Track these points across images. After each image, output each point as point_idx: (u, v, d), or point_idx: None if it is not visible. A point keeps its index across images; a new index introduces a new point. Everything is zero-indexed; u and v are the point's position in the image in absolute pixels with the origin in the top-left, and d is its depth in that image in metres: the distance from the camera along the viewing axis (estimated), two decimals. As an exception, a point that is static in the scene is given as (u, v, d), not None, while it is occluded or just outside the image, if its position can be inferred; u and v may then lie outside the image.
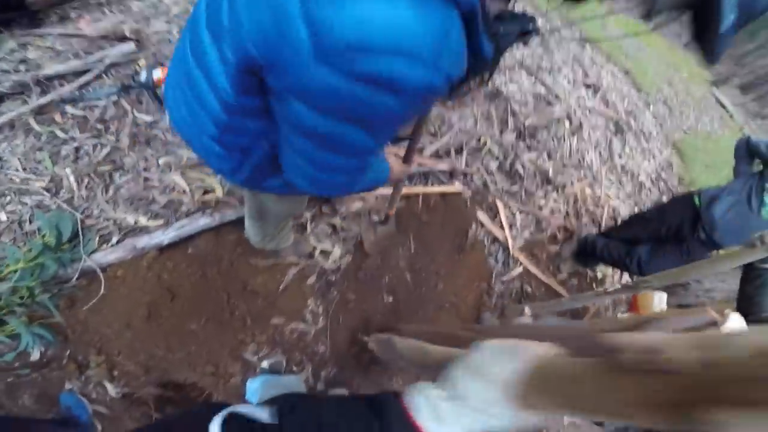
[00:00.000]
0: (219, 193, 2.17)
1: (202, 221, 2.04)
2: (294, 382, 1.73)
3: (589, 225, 3.00)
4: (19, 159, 2.13)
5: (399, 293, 2.29)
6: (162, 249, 1.99)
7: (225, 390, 2.00)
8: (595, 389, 0.48)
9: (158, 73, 2.30)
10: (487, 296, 2.44)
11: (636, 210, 3.34)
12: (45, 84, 2.30)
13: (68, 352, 1.85)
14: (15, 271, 1.80)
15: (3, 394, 1.77)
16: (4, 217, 2.02)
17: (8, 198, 2.05)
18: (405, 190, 2.26)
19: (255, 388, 1.74)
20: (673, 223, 2.18)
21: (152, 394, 1.93)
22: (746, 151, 2.05)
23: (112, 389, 1.87)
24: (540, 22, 4.30)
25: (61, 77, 2.34)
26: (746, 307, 1.41)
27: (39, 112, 2.22)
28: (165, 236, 1.99)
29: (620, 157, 3.74)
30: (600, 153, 3.58)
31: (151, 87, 2.30)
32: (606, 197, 3.28)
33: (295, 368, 2.11)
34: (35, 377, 1.81)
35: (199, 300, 1.95)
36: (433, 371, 0.99)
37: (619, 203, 3.33)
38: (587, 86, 4.17)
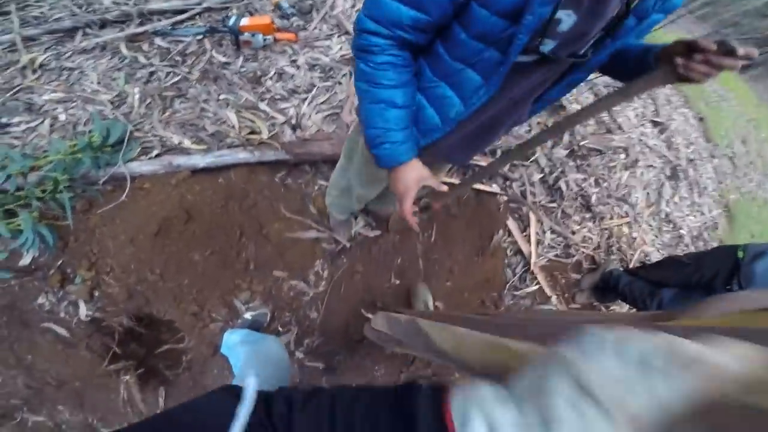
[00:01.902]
0: (264, 135, 2.09)
1: (242, 155, 1.93)
2: (277, 350, 1.32)
3: (616, 264, 2.75)
4: (97, 74, 2.20)
5: (407, 278, 2.07)
6: (195, 171, 1.88)
7: (200, 336, 1.85)
8: None
9: (245, 21, 2.30)
10: (494, 307, 2.28)
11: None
12: (145, 17, 2.41)
13: (60, 262, 1.76)
14: (50, 162, 1.75)
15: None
16: (63, 117, 2.04)
17: (74, 103, 2.08)
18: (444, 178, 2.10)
19: (233, 343, 1.46)
20: (709, 272, 1.93)
21: (122, 325, 1.81)
22: None
23: (84, 310, 1.77)
24: None
25: (161, 13, 2.44)
26: None
27: (131, 39, 2.34)
28: (202, 160, 1.89)
29: (667, 204, 3.37)
30: (648, 194, 3.23)
31: (235, 32, 2.28)
32: (641, 241, 2.98)
33: (280, 329, 1.95)
34: (12, 285, 1.74)
35: (212, 229, 1.81)
36: (475, 369, 0.81)
37: (653, 251, 3.01)
38: (654, 123, 3.76)
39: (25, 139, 1.95)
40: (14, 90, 2.09)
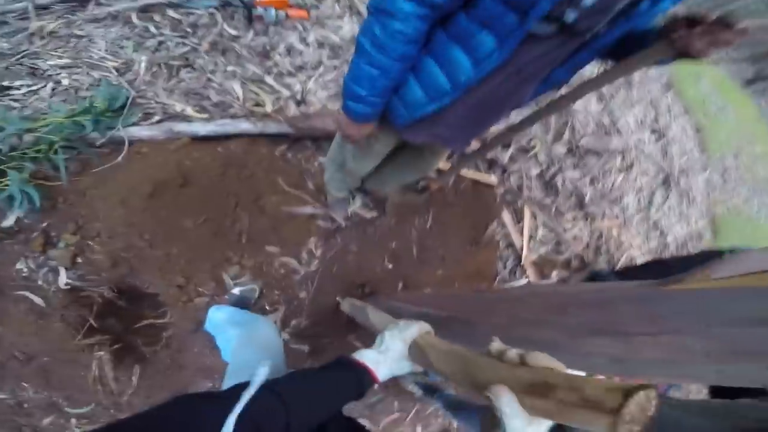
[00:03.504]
0: (268, 108, 2.01)
1: (244, 125, 1.83)
2: (271, 334, 1.22)
3: (603, 264, 2.72)
4: (106, 42, 2.10)
5: (400, 263, 1.98)
6: (195, 139, 1.78)
7: (183, 311, 1.72)
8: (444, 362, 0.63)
9: None
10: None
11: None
12: None
13: (45, 224, 1.64)
14: (47, 125, 1.65)
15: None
16: (66, 82, 1.93)
17: (79, 69, 1.97)
18: (441, 165, 2.04)
19: (219, 321, 1.41)
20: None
21: (102, 296, 1.68)
22: None
23: (63, 278, 1.64)
24: None
25: None
26: None
27: (144, 10, 2.23)
28: (203, 128, 1.79)
29: (657, 211, 3.36)
30: (639, 200, 3.18)
31: (249, 5, 2.18)
32: (629, 245, 2.96)
33: (267, 307, 1.85)
34: None
35: (207, 196, 1.71)
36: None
37: (639, 255, 3.00)
38: (653, 131, 3.74)
39: (24, 101, 1.84)
40: (19, 55, 1.97)
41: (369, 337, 1.86)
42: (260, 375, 0.57)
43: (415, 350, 0.73)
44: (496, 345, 0.54)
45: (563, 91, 1.01)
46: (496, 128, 2.21)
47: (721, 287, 0.43)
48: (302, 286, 1.86)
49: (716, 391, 1.20)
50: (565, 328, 0.63)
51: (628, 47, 0.79)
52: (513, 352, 0.50)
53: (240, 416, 0.47)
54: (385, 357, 0.72)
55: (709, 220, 4.12)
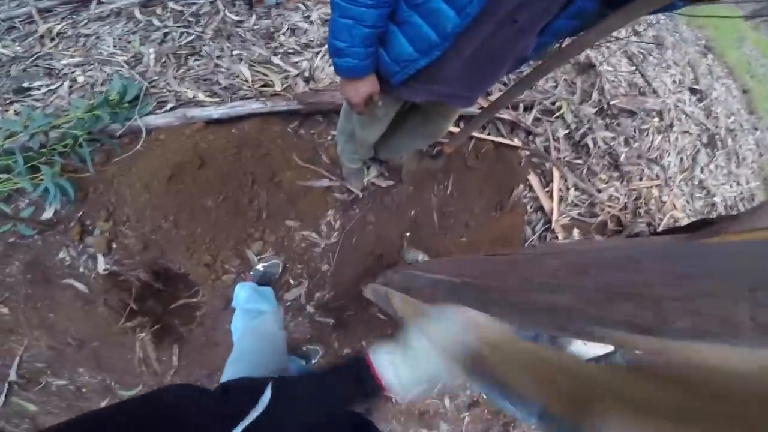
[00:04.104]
0: (278, 87, 2.06)
1: (254, 105, 1.91)
2: (272, 328, 1.32)
3: (643, 228, 2.54)
4: (113, 38, 2.25)
5: (420, 231, 1.99)
6: (209, 123, 1.88)
7: (212, 289, 1.84)
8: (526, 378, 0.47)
9: None
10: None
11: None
12: None
13: (80, 214, 1.78)
14: (70, 120, 1.80)
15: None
16: (81, 79, 2.09)
17: (92, 66, 2.14)
18: (453, 128, 1.98)
19: (242, 298, 1.52)
20: None
21: (139, 280, 1.81)
22: None
23: (102, 264, 1.78)
24: (662, 19, 3.66)
25: None
26: None
27: (145, 5, 2.36)
28: (216, 111, 1.89)
29: (702, 171, 3.12)
30: (682, 159, 2.98)
31: None
32: (671, 206, 2.76)
33: (291, 281, 1.92)
34: (36, 240, 1.76)
35: (224, 175, 1.79)
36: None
37: (683, 216, 2.78)
38: (693, 91, 3.50)
39: (45, 101, 2.01)
40: (34, 57, 2.15)
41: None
42: (263, 403, 0.55)
43: (383, 296, 0.64)
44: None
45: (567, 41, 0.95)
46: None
47: (759, 239, 0.36)
48: (323, 258, 1.91)
49: None
50: (584, 293, 0.54)
51: None
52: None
53: None
54: (408, 364, 0.59)
55: (762, 181, 3.80)
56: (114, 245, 1.81)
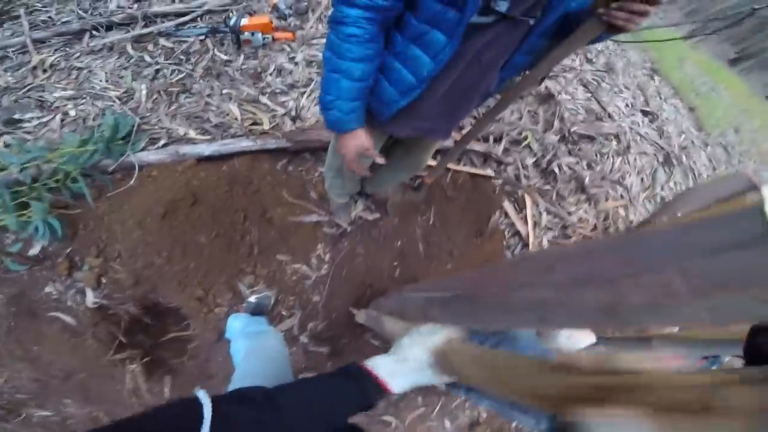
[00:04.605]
0: (266, 126, 2.18)
1: (244, 143, 2.04)
2: (276, 345, 1.34)
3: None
4: (105, 73, 2.34)
5: (408, 261, 2.14)
6: (200, 160, 1.98)
7: (204, 322, 1.90)
8: (480, 372, 0.64)
9: (245, 21, 2.44)
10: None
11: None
12: (150, 19, 2.56)
13: (69, 250, 1.83)
14: (63, 155, 1.84)
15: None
16: (73, 113, 2.15)
17: (83, 100, 2.20)
18: (431, 162, 2.16)
19: (236, 330, 1.57)
20: None
21: (129, 313, 1.86)
22: None
23: (90, 298, 1.82)
24: (610, 46, 4.02)
25: (164, 16, 2.59)
26: None
27: (137, 40, 2.48)
28: (207, 148, 1.99)
29: (662, 188, 3.46)
30: (642, 179, 3.29)
31: (236, 31, 2.42)
32: (638, 223, 3.05)
33: (284, 312, 2.00)
34: (21, 275, 1.80)
35: (216, 212, 1.89)
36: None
37: (650, 233, 3.05)
38: (644, 113, 3.85)
39: (37, 133, 2.07)
40: (26, 88, 2.21)
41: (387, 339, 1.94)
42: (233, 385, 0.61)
43: (444, 359, 0.70)
44: (563, 356, 0.53)
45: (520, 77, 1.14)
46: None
47: (686, 222, 0.43)
48: (315, 290, 1.99)
49: (752, 360, 1.24)
50: (554, 286, 0.64)
51: (573, 27, 0.92)
52: (586, 359, 0.49)
53: None
54: (403, 366, 0.70)
55: (719, 195, 4.16)
56: (104, 280, 1.85)
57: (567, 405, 0.47)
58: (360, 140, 1.11)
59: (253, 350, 1.28)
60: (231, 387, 0.99)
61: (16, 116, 2.09)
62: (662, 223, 0.54)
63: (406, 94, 1.05)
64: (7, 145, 1.99)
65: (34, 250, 1.83)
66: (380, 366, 0.70)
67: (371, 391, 0.67)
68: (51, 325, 1.83)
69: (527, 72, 1.09)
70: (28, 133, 2.06)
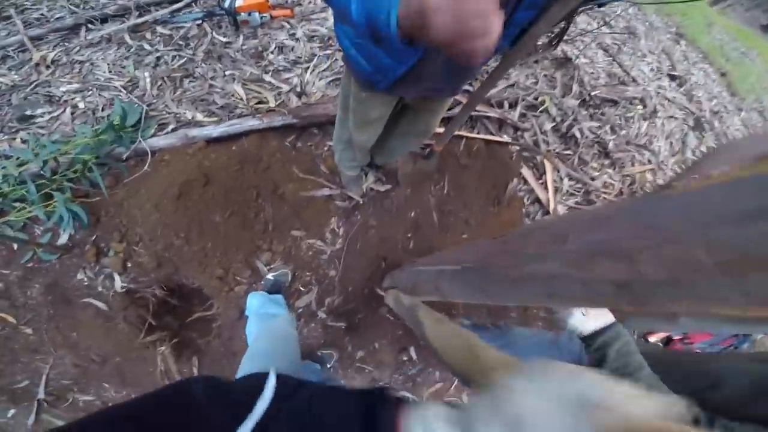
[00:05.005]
0: (272, 104, 2.18)
1: (251, 122, 2.04)
2: (284, 328, 1.37)
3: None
4: (107, 64, 2.37)
5: (422, 232, 2.11)
6: (209, 141, 2.00)
7: (226, 300, 1.95)
8: None
9: (240, 2, 2.42)
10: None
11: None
12: (143, 8, 2.57)
13: (94, 237, 1.89)
14: (77, 146, 1.91)
15: (15, 284, 1.85)
16: (82, 105, 2.20)
17: (90, 92, 2.25)
18: (439, 130, 2.10)
19: (253, 306, 1.64)
20: None
21: (155, 296, 1.92)
22: None
23: (118, 282, 1.89)
24: (630, 10, 3.87)
25: (157, 4, 2.59)
26: None
27: (134, 30, 2.49)
28: (215, 130, 2.01)
29: (693, 153, 3.29)
30: (671, 143, 3.14)
31: (232, 13, 2.41)
32: (660, 185, 2.89)
33: (301, 288, 2.02)
34: (53, 264, 1.88)
35: (229, 191, 1.90)
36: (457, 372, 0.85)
37: (681, 200, 2.90)
38: (671, 77, 3.68)
39: (50, 127, 2.12)
40: (32, 85, 2.28)
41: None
42: (269, 387, 0.54)
43: (410, 314, 0.55)
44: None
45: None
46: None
47: (713, 185, 0.38)
48: (330, 264, 2.00)
49: None
50: (566, 257, 0.58)
51: None
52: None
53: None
54: None
55: (756, 160, 3.97)
56: (129, 264, 1.92)
57: None
58: None
59: (264, 333, 1.34)
60: (242, 365, 1.02)
61: (28, 112, 2.15)
62: (686, 185, 0.46)
63: (402, 61, 1.00)
64: (23, 141, 2.06)
65: (63, 239, 1.90)
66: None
67: None
68: (85, 311, 1.91)
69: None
70: (42, 128, 2.12)
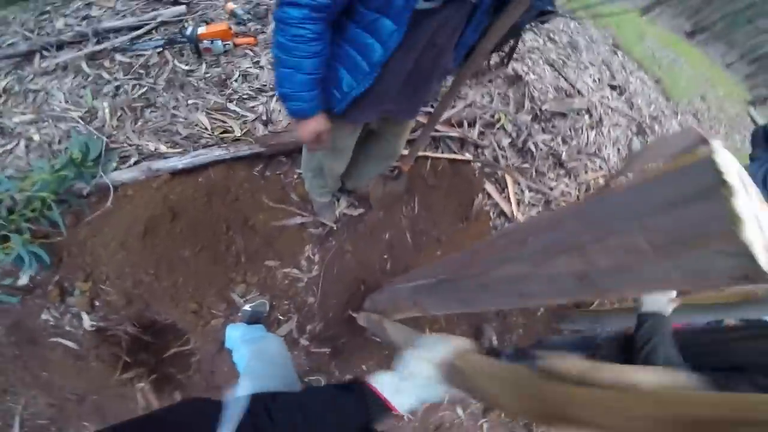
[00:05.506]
0: (237, 133, 2.19)
1: (217, 152, 2.04)
2: (277, 348, 1.39)
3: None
4: (63, 93, 2.30)
5: (397, 252, 2.19)
6: (174, 173, 1.98)
7: (203, 334, 1.93)
8: (488, 384, 0.64)
9: (202, 29, 2.42)
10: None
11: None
12: (102, 35, 2.50)
13: (57, 277, 1.84)
14: (35, 183, 1.82)
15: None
16: (37, 137, 2.12)
17: (45, 123, 2.17)
18: (404, 152, 2.20)
19: (235, 339, 1.59)
20: None
21: (127, 333, 1.89)
22: (764, 137, 1.95)
23: (87, 321, 1.85)
24: (571, 24, 4.19)
25: (117, 30, 2.53)
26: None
27: (92, 57, 2.42)
28: (180, 161, 1.99)
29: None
30: (618, 149, 3.43)
31: (194, 40, 2.40)
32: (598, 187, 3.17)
33: (281, 317, 2.03)
34: (14, 305, 1.82)
35: (198, 226, 1.90)
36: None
37: (632, 201, 3.17)
38: (612, 87, 4.02)
39: (3, 161, 2.04)
40: None
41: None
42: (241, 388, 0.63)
43: (454, 374, 0.68)
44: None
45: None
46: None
47: (643, 181, 0.45)
48: (308, 292, 2.03)
49: None
50: (527, 258, 0.66)
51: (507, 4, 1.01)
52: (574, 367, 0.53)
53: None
54: (408, 383, 0.69)
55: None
56: (97, 303, 1.87)
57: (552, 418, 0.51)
58: (317, 123, 1.18)
59: (256, 354, 1.31)
60: (239, 390, 0.98)
61: (-23, 145, 2.05)
62: (621, 184, 0.54)
63: (361, 80, 1.11)
64: (-27, 178, 1.96)
65: (23, 281, 1.83)
66: (385, 383, 0.69)
67: (374, 409, 0.66)
68: (54, 350, 1.85)
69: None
70: (-6, 161, 2.02)
